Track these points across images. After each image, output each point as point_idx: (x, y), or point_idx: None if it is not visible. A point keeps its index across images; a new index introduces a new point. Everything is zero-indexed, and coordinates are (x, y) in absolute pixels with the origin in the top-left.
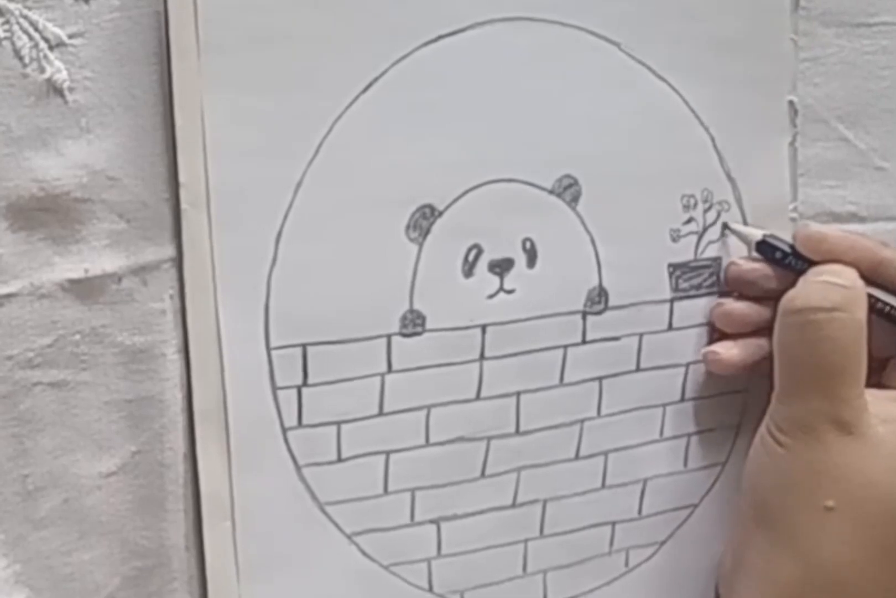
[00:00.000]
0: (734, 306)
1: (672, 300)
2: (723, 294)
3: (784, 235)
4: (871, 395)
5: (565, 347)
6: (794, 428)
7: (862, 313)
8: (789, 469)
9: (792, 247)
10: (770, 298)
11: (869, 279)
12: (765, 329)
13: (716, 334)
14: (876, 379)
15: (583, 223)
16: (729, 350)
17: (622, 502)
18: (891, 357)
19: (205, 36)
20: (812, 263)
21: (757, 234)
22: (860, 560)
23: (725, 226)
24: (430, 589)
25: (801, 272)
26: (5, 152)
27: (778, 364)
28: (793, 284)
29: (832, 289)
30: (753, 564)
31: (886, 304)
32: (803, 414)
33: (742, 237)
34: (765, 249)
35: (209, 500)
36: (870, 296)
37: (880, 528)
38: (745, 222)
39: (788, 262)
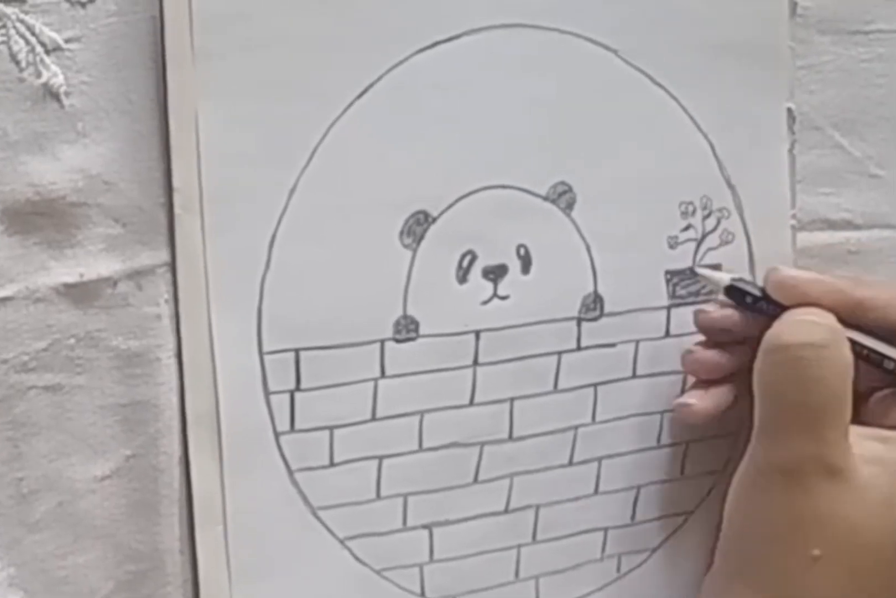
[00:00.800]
0: (705, 354)
1: (669, 307)
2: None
3: (784, 242)
4: (854, 433)
5: (560, 353)
6: (777, 472)
7: (846, 349)
8: (773, 516)
9: (763, 290)
10: (741, 343)
11: (846, 322)
12: (733, 375)
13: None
14: (855, 415)
15: (577, 230)
16: (702, 400)
17: (615, 508)
18: (871, 392)
19: (200, 42)
20: (784, 308)
21: (725, 278)
22: None
23: (692, 271)
24: (423, 594)
25: (773, 317)
26: (1, 156)
27: (760, 404)
28: (765, 328)
29: (817, 327)
30: None
31: (864, 347)
32: (788, 456)
33: (710, 282)
34: (734, 293)
35: (202, 504)
36: (849, 339)
37: (867, 576)
38: (745, 230)
39: (760, 306)
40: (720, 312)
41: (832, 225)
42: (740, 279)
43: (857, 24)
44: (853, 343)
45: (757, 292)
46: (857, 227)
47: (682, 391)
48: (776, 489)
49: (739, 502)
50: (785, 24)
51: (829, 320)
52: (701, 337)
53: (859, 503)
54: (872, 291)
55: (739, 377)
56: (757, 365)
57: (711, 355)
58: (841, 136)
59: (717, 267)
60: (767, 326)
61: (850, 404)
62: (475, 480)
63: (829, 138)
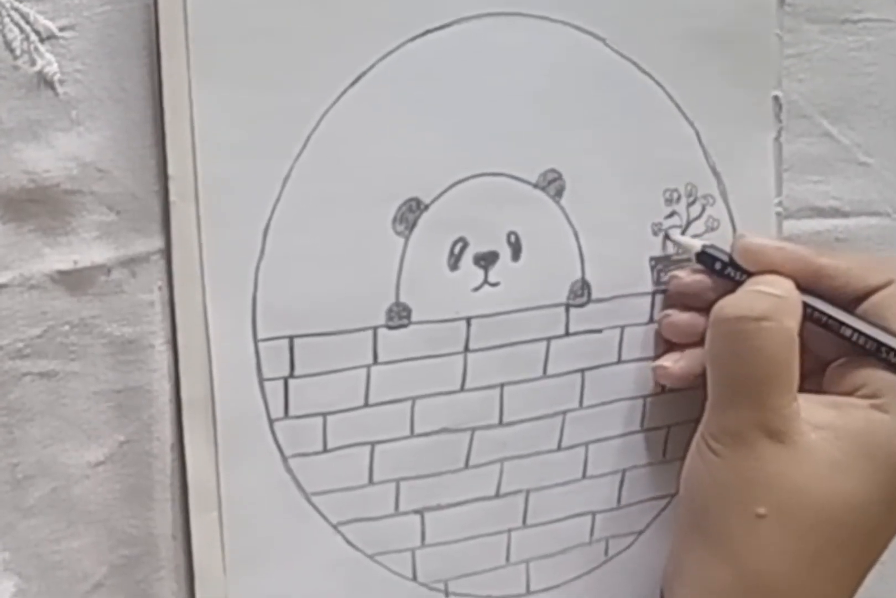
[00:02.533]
0: (680, 317)
1: (653, 293)
2: (667, 306)
3: (769, 229)
4: (807, 400)
5: (548, 339)
6: (726, 436)
7: (792, 321)
8: (722, 477)
9: (731, 257)
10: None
11: (807, 289)
12: None
13: (662, 345)
14: (816, 384)
15: (566, 217)
16: (676, 362)
17: (602, 492)
18: (830, 361)
19: (194, 30)
20: (749, 274)
21: (696, 245)
22: (791, 568)
23: (666, 236)
24: (415, 578)
25: (739, 283)
26: None
27: (709, 373)
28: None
29: (761, 298)
30: (690, 570)
31: (823, 313)
32: (734, 423)
33: (683, 248)
34: (705, 259)
35: (196, 490)
36: (807, 305)
37: (811, 536)
38: (730, 216)
39: (728, 272)
40: (691, 277)
41: (820, 212)
42: (712, 246)
43: (846, 12)
44: (813, 310)
45: (725, 259)
46: (844, 214)
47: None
48: (724, 453)
49: (693, 465)
50: (773, 12)
51: (786, 286)
52: None
53: (805, 466)
54: (834, 259)
55: None
56: (706, 336)
57: (686, 317)
58: (829, 124)
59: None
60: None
61: (795, 371)
62: (466, 465)
63: (818, 126)
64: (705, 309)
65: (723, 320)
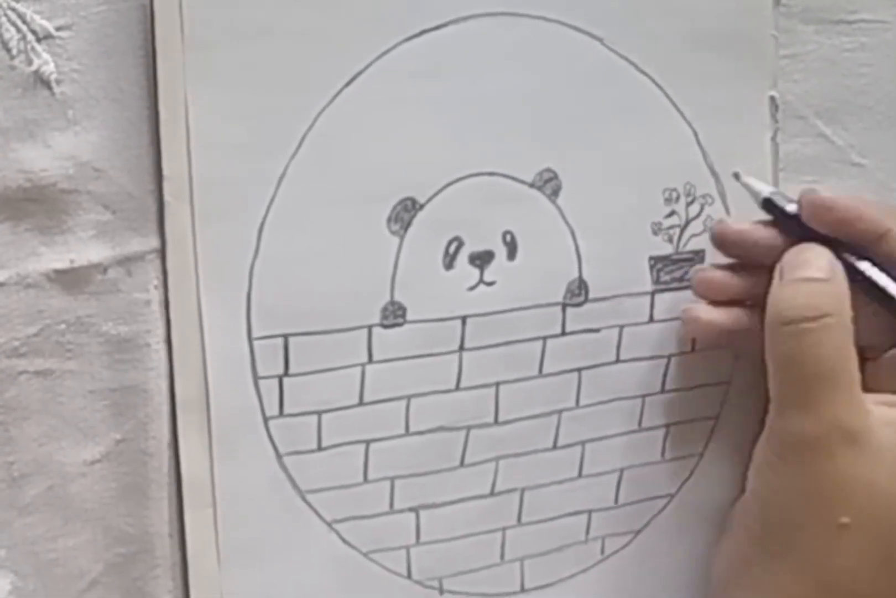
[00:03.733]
0: (715, 273)
1: (653, 293)
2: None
3: None
4: (867, 399)
5: (544, 338)
6: (798, 442)
7: (847, 311)
8: (799, 486)
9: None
10: (753, 265)
11: (867, 251)
12: (745, 300)
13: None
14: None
15: (563, 216)
16: (709, 313)
17: (599, 491)
18: (871, 355)
19: (189, 30)
20: (811, 234)
21: (765, 190)
22: (875, 577)
23: (736, 176)
24: (409, 576)
25: (796, 241)
26: None
27: (773, 377)
28: (782, 251)
29: (813, 291)
30: (760, 581)
31: (868, 279)
32: (806, 427)
33: (750, 191)
34: (771, 207)
35: (191, 488)
36: (854, 269)
37: (895, 541)
38: (728, 216)
39: (789, 228)
40: (737, 226)
41: None
42: (778, 193)
43: (841, 13)
44: (857, 274)
45: (792, 210)
46: None
47: (665, 376)
48: (798, 460)
49: (762, 475)
50: (769, 13)
51: (826, 266)
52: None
53: (883, 467)
54: None
55: (750, 305)
56: (766, 338)
57: (721, 274)
58: (824, 124)
59: (698, 254)
60: (784, 250)
61: (857, 365)
62: (461, 463)
63: (813, 127)
64: (741, 267)
65: (784, 322)
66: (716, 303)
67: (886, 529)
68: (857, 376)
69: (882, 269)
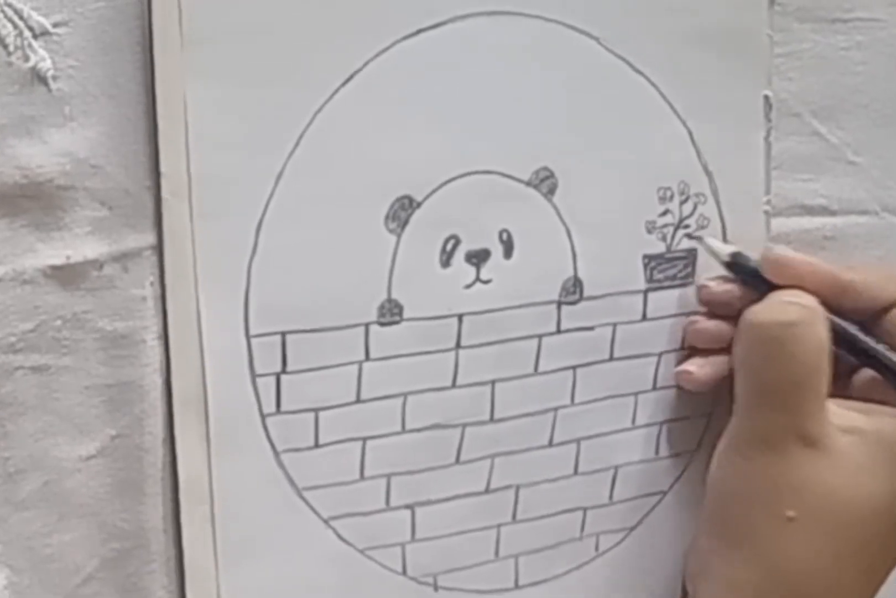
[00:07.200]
0: (707, 324)
1: (646, 291)
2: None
3: (758, 228)
4: (835, 405)
5: (540, 336)
6: (757, 442)
7: (822, 327)
8: (752, 481)
9: (757, 269)
10: (738, 316)
11: (831, 307)
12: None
13: (684, 351)
14: (844, 387)
15: (559, 215)
16: (701, 368)
17: (593, 488)
18: (856, 368)
19: (188, 27)
20: (775, 287)
21: (725, 252)
22: (819, 569)
23: (700, 239)
24: (405, 573)
25: (764, 294)
26: None
27: (739, 379)
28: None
29: (791, 306)
30: (717, 570)
31: (846, 332)
32: (766, 428)
33: (712, 254)
34: (734, 267)
35: (187, 484)
36: (831, 322)
37: (840, 537)
38: (720, 215)
39: (755, 282)
40: (721, 286)
41: (809, 211)
42: (739, 254)
43: (837, 12)
44: (834, 327)
45: (752, 269)
46: (833, 213)
47: (656, 373)
48: (755, 457)
49: (721, 469)
50: (764, 11)
51: (809, 301)
52: (678, 322)
53: (835, 470)
54: (860, 274)
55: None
56: (735, 343)
57: (713, 325)
58: (819, 123)
59: (691, 252)
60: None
61: (825, 377)
62: (457, 461)
63: (808, 125)
64: (731, 317)
65: (755, 326)
66: (707, 351)
67: (831, 523)
68: (824, 383)
69: (846, 318)
